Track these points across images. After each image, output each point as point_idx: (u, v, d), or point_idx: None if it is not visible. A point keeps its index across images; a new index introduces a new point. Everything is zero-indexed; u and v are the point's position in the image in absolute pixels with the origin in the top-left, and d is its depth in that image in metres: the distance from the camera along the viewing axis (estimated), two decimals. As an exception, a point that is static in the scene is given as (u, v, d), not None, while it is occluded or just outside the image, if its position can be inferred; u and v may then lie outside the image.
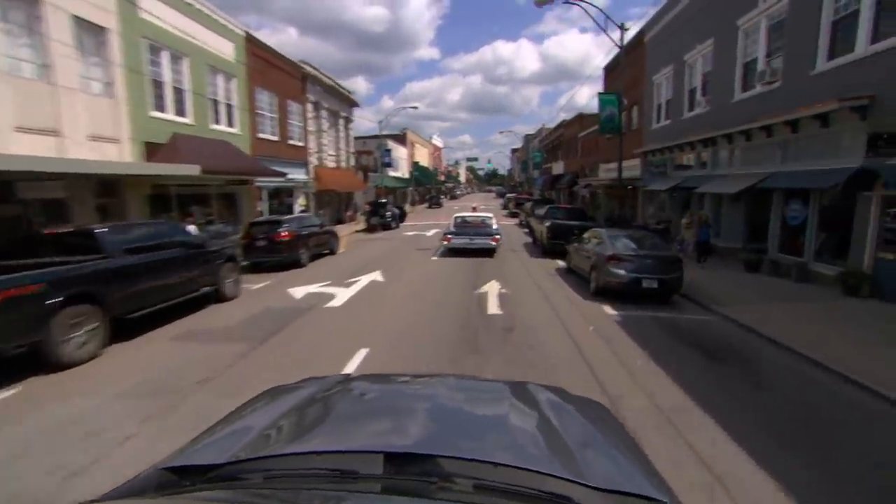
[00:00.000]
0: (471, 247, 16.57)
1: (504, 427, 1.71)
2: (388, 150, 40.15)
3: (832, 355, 6.21)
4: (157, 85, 13.92)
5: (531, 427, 1.75)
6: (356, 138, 39.28)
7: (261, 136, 21.03)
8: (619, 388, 5.30)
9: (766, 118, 12.08)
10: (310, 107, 26.59)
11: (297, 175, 24.64)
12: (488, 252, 16.63)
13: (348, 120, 33.72)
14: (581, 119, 36.74)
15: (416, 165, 57.53)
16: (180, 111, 15.12)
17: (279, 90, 22.62)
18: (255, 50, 20.12)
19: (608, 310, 9.08)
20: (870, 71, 9.47)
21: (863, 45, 9.70)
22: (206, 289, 9.47)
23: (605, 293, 10.02)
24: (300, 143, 25.42)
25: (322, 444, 1.51)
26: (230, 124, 18.45)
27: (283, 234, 13.82)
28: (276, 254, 13.87)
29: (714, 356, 6.55)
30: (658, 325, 8.13)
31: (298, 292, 10.65)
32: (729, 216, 15.25)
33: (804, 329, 7.44)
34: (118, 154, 12.12)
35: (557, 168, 46.85)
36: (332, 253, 17.34)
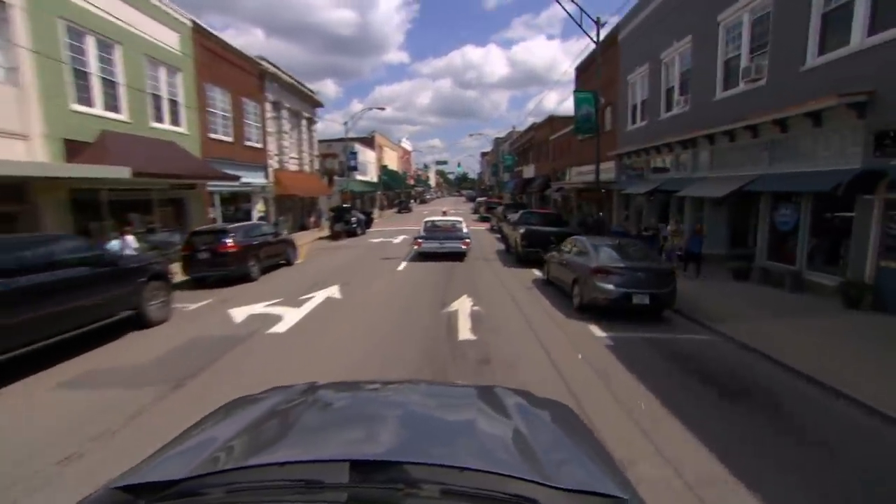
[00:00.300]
0: (441, 251, 16.53)
1: (471, 431, 1.69)
2: (355, 153, 38.54)
3: (865, 389, 5.25)
4: (81, 75, 12.15)
5: (498, 431, 1.74)
6: (321, 141, 37.56)
7: (212, 136, 19.30)
8: (628, 447, 4.16)
9: (753, 117, 11.34)
10: (269, 106, 24.89)
11: (255, 179, 22.95)
12: (458, 256, 16.51)
13: (311, 121, 32.03)
14: (552, 121, 36.15)
15: (384, 169, 55.96)
16: (112, 106, 13.37)
17: (233, 87, 20.91)
18: (203, 42, 18.39)
19: (595, 330, 7.98)
20: (867, 65, 8.75)
21: (859, 37, 8.99)
22: (126, 313, 7.93)
23: (589, 309, 8.95)
24: (258, 145, 23.70)
25: (287, 454, 1.47)
26: (175, 123, 16.70)
27: (228, 244, 12.24)
28: (221, 267, 12.28)
29: (727, 391, 5.50)
30: (654, 349, 7.08)
31: (240, 314, 9.17)
32: (711, 221, 14.53)
33: (817, 351, 6.51)
34: (26, 152, 10.37)
35: (528, 171, 46.25)
36: (289, 264, 15.79)
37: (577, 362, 6.43)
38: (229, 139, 20.71)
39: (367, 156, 48.64)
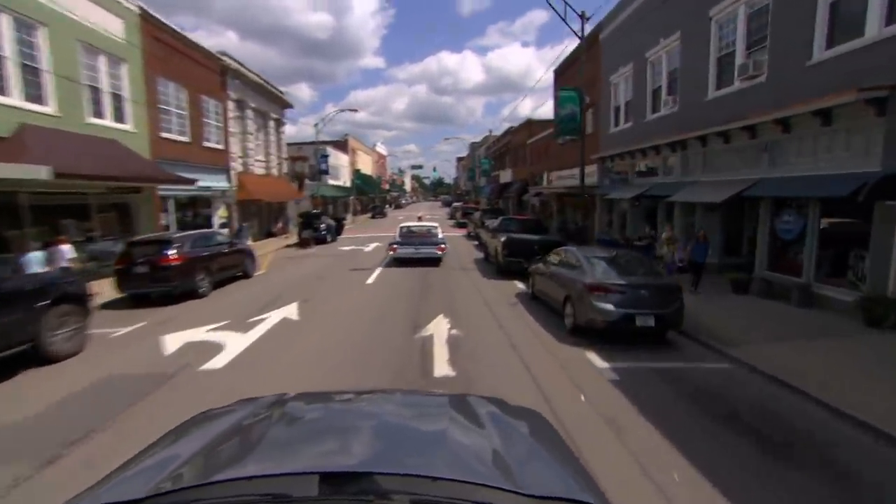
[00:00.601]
0: (416, 256, 16.12)
1: (444, 440, 1.64)
2: (326, 157, 36.91)
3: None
4: (-7, 60, 10.46)
5: (470, 439, 1.70)
6: (290, 144, 35.82)
7: (165, 135, 17.58)
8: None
9: (752, 117, 10.45)
10: (231, 105, 23.21)
11: (216, 183, 21.23)
12: (434, 261, 16.09)
13: (280, 122, 30.34)
14: (530, 125, 35.30)
15: (357, 173, 54.30)
16: (35, 97, 11.65)
17: (190, 83, 19.21)
18: (154, 31, 16.70)
19: (595, 359, 6.81)
20: (884, 57, 7.89)
21: (875, 27, 8.15)
22: (23, 347, 6.39)
23: (584, 332, 7.78)
24: (219, 146, 21.98)
25: (254, 469, 1.43)
26: (119, 119, 15.01)
27: (171, 256, 10.65)
28: (163, 282, 10.67)
29: (770, 442, 4.39)
30: (666, 383, 5.94)
31: (174, 342, 7.66)
32: (703, 227, 13.64)
33: (857, 384, 5.48)
34: (-84, 150, 8.67)
35: (505, 176, 45.40)
36: (247, 276, 14.23)
37: (579, 406, 5.23)
38: (185, 139, 19.01)
39: (339, 159, 47.00)
